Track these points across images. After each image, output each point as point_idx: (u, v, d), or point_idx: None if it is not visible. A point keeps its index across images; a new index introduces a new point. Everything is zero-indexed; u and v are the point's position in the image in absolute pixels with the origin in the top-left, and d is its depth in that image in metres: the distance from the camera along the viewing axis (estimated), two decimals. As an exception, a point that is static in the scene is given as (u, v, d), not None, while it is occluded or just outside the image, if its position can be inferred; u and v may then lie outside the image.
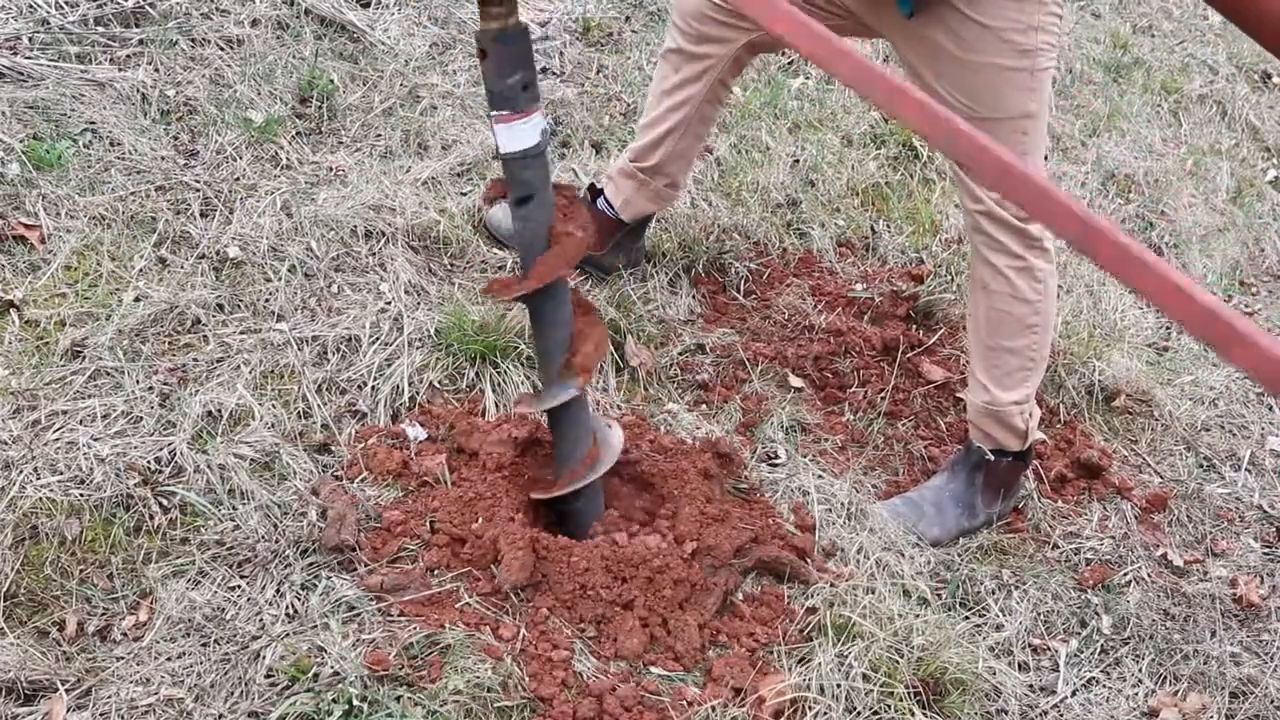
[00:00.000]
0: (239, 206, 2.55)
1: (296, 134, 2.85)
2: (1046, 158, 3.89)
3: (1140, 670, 2.17)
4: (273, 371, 2.23)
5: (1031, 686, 2.10)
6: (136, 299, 2.28)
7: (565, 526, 2.04)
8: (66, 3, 2.87)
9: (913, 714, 1.88)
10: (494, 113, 1.70)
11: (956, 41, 2.01)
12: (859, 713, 1.86)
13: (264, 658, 1.73)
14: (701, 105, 2.50)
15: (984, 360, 2.32)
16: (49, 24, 2.80)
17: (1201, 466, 2.79)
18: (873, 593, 2.06)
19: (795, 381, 2.67)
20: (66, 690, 1.66)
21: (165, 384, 2.13)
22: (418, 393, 2.29)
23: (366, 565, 1.92)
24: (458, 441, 2.15)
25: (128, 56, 2.83)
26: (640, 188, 2.61)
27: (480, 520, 1.97)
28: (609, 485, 2.15)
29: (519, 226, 1.80)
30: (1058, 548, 2.43)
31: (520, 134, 1.71)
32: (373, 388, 2.26)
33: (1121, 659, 2.20)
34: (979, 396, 2.35)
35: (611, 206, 2.66)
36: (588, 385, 1.96)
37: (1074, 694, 2.11)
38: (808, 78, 3.78)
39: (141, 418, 2.05)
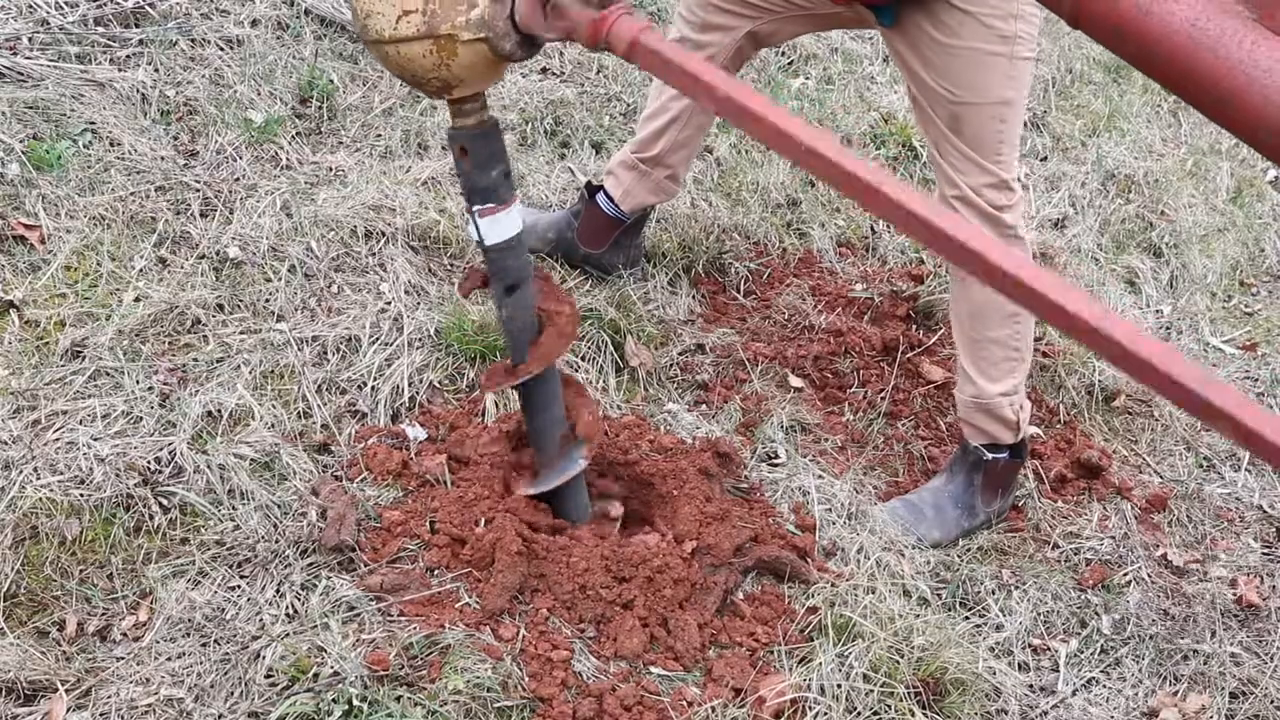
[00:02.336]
0: (239, 206, 2.55)
1: (296, 134, 2.85)
2: (1046, 158, 3.89)
3: (1140, 670, 2.17)
4: (273, 371, 2.23)
5: (1031, 686, 2.10)
6: (136, 299, 2.28)
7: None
8: (66, 3, 2.87)
9: (913, 714, 1.88)
10: (476, 207, 1.72)
11: (940, 27, 2.07)
12: (859, 713, 1.86)
13: (264, 658, 1.73)
14: None
15: (969, 353, 2.34)
16: (49, 24, 2.80)
17: (1201, 466, 2.79)
18: (873, 593, 2.06)
19: (795, 381, 2.67)
20: (66, 690, 1.66)
21: (165, 384, 2.13)
22: (418, 393, 2.29)
23: (366, 565, 1.92)
24: (450, 452, 2.15)
25: (128, 56, 2.83)
26: (641, 179, 2.62)
27: (481, 521, 1.97)
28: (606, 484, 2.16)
29: (508, 314, 1.83)
30: (1058, 548, 2.43)
31: (503, 224, 1.74)
32: (373, 388, 2.26)
33: (1121, 659, 2.20)
34: (967, 391, 2.36)
35: (611, 201, 2.66)
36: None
37: (1074, 694, 2.11)
38: (807, 78, 3.78)
39: (141, 418, 2.05)
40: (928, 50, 2.10)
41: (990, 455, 2.39)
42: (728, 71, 2.53)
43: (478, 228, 1.74)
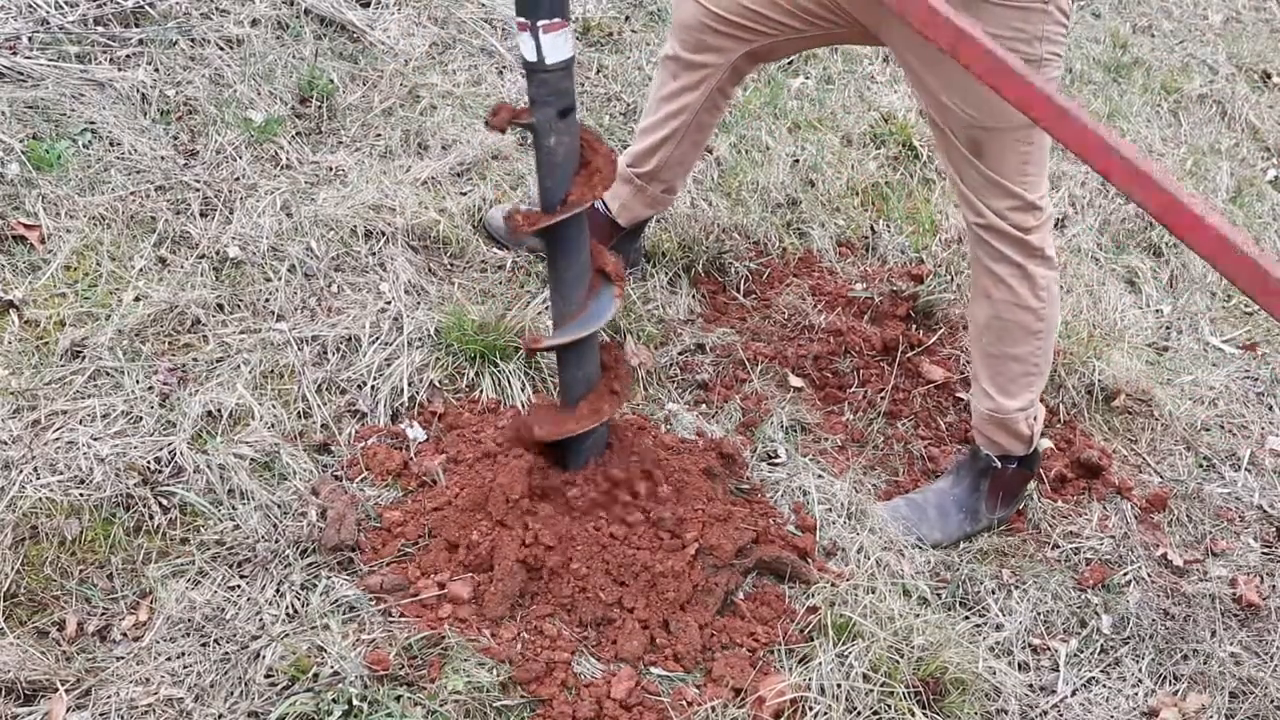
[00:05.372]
0: (239, 206, 2.55)
1: (296, 134, 2.85)
2: (1046, 158, 3.89)
3: (1140, 670, 2.17)
4: (273, 371, 2.23)
5: (1031, 686, 2.10)
6: (136, 299, 2.28)
7: (564, 458, 2.03)
8: (66, 3, 2.87)
9: (913, 714, 1.88)
10: (541, 21, 1.65)
11: None
12: (859, 713, 1.86)
13: (264, 658, 1.73)
14: (699, 114, 2.47)
15: (988, 368, 2.31)
16: (49, 24, 2.80)
17: (1201, 466, 2.79)
18: (873, 592, 2.06)
19: (795, 381, 2.67)
20: (66, 690, 1.66)
21: (165, 384, 2.13)
22: (418, 393, 2.29)
23: (366, 565, 1.92)
24: (446, 451, 2.15)
25: (128, 56, 2.83)
26: (637, 193, 2.60)
27: (481, 521, 1.96)
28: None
29: (557, 141, 1.75)
30: (1058, 548, 2.43)
31: (565, 43, 1.68)
32: (373, 388, 2.26)
33: (1121, 659, 2.20)
34: (984, 404, 2.34)
35: (608, 209, 2.65)
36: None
37: (1074, 694, 2.11)
38: (807, 78, 3.78)
39: (141, 418, 2.05)
40: (948, 72, 2.00)
41: (1000, 464, 2.38)
42: (724, 90, 2.50)
43: (539, 46, 1.67)
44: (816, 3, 2.20)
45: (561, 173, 1.77)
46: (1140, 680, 2.16)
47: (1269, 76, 4.88)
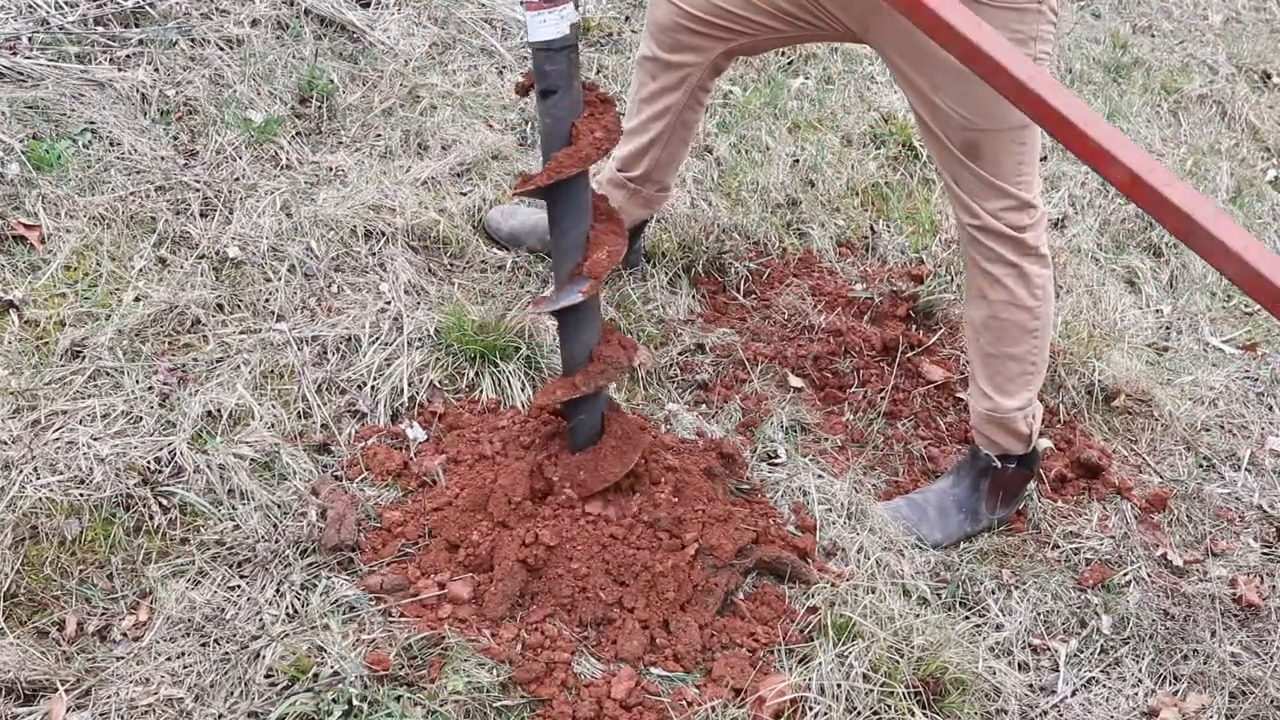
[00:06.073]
0: (239, 206, 2.55)
1: (296, 134, 2.85)
2: (1045, 158, 3.89)
3: (1140, 670, 2.17)
4: (272, 371, 2.23)
5: (1031, 686, 2.10)
6: (136, 299, 2.28)
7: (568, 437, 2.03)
8: (66, 3, 2.87)
9: (913, 714, 1.88)
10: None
11: None
12: (859, 713, 1.86)
13: (264, 658, 1.73)
14: (683, 112, 2.46)
15: (985, 368, 2.31)
16: (49, 24, 2.80)
17: (1201, 466, 2.79)
18: (873, 593, 2.06)
19: (795, 381, 2.67)
20: (66, 690, 1.66)
21: (165, 384, 2.13)
22: (418, 393, 2.29)
23: (366, 565, 1.92)
24: (446, 452, 2.15)
25: (128, 56, 2.84)
26: (631, 196, 2.59)
27: (481, 521, 1.96)
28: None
29: (540, 122, 1.78)
30: (1058, 548, 2.43)
31: (549, 25, 1.68)
32: (373, 388, 2.26)
33: (1121, 659, 2.20)
34: (982, 404, 2.34)
35: None
36: (599, 290, 1.91)
37: (1074, 694, 2.11)
38: (807, 78, 3.78)
39: (141, 418, 2.05)
40: (941, 75, 1.98)
41: (1000, 464, 2.38)
42: (704, 86, 2.49)
43: (527, 22, 1.70)
44: (795, 3, 2.18)
45: (544, 152, 1.81)
46: (1140, 680, 2.16)
47: (1269, 76, 4.88)
